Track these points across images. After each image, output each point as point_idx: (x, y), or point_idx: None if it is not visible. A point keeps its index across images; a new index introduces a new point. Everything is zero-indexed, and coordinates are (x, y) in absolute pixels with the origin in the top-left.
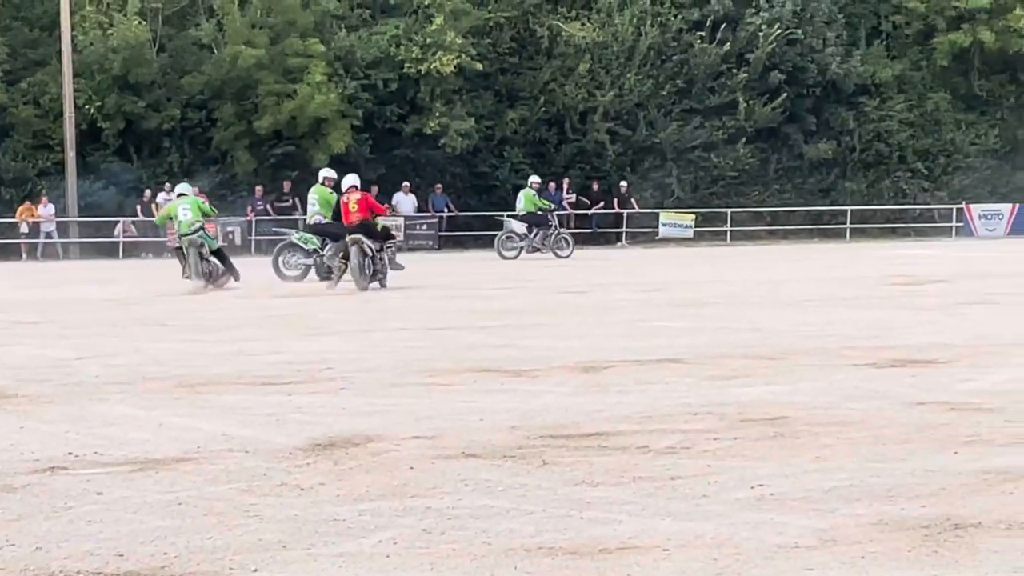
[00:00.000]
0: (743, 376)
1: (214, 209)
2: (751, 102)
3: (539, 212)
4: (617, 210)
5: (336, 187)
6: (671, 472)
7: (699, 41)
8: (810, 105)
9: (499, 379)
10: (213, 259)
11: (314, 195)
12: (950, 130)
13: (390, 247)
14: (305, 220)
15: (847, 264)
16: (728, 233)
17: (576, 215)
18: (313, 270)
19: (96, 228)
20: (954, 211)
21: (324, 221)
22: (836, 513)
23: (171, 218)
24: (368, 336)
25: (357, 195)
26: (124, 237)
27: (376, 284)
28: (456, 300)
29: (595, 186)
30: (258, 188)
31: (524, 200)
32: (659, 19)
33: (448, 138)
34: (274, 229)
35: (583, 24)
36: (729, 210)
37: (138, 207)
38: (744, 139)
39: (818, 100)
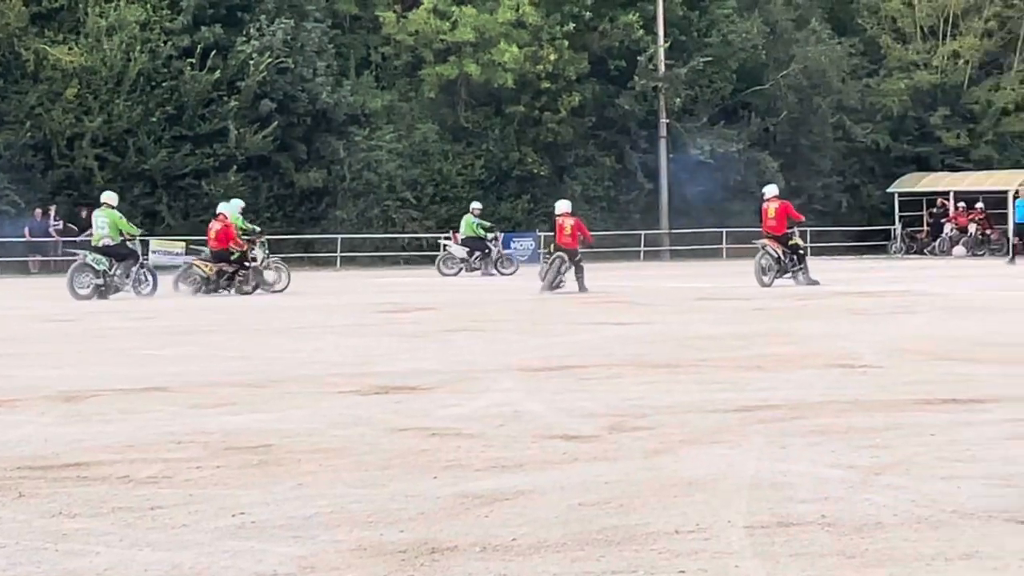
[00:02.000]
0: (229, 404)
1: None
2: (242, 130)
3: (479, 237)
4: None
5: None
6: (151, 502)
7: (190, 68)
8: (301, 134)
9: None
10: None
11: (104, 218)
12: (438, 160)
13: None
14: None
15: (337, 292)
16: None
17: (64, 242)
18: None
19: None
20: (441, 240)
21: (112, 243)
22: (316, 540)
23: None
24: None
25: (218, 226)
26: None
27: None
28: None
29: (83, 213)
30: None
31: (465, 225)
32: (149, 45)
33: None
34: (66, 250)
35: (71, 48)
36: None
37: None
38: (235, 167)
39: (309, 129)
